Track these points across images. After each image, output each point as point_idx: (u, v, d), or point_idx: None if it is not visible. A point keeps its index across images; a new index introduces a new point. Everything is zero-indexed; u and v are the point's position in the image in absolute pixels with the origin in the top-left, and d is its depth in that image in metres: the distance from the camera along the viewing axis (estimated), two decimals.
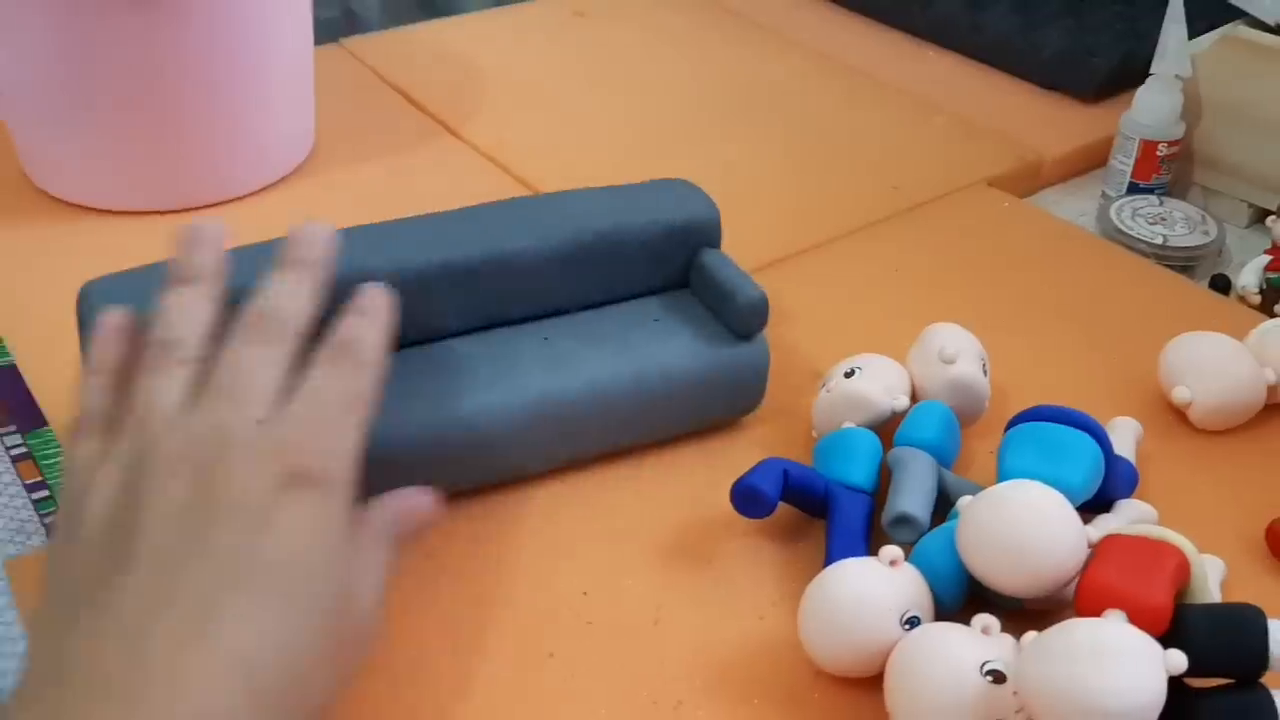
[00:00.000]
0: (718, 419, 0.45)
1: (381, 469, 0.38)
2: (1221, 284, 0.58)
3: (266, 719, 0.28)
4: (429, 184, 0.63)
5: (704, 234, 0.45)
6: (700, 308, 0.45)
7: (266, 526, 0.30)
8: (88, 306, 0.38)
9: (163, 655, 0.27)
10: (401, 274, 0.40)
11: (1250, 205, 0.64)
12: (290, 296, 0.35)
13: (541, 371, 0.41)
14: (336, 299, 0.39)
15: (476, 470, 0.41)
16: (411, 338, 0.42)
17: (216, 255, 0.36)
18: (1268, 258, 0.56)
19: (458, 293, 0.41)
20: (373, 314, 0.36)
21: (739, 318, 0.43)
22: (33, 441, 0.45)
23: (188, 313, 0.34)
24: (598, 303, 0.45)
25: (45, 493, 0.43)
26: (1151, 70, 0.62)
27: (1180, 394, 0.46)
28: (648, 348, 0.43)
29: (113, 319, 0.36)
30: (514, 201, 0.45)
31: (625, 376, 0.42)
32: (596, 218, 0.43)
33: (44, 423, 0.46)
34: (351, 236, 0.40)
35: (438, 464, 0.40)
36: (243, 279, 0.35)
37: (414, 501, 0.35)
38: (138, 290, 0.39)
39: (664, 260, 0.45)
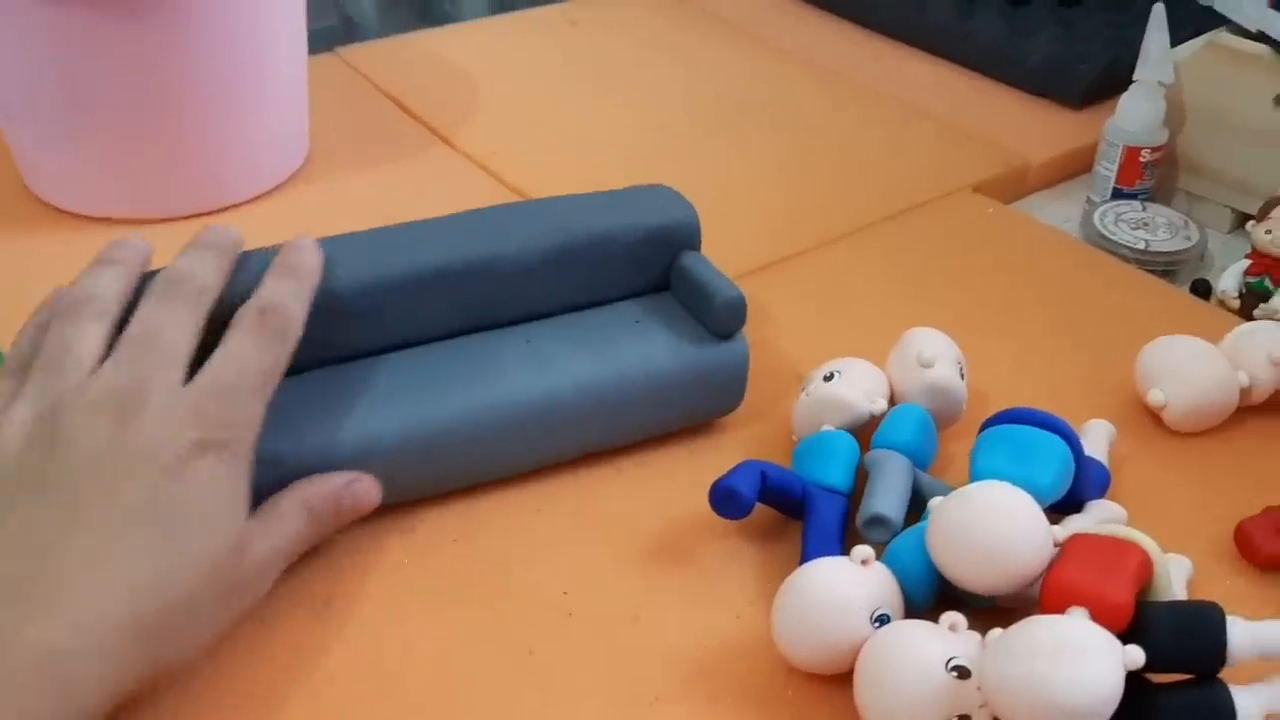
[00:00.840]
0: (699, 419, 0.46)
1: (364, 470, 0.39)
2: (1202, 288, 0.58)
3: (144, 641, 0.31)
4: (422, 193, 0.64)
5: (683, 237, 0.46)
6: (680, 309, 0.46)
7: (174, 479, 0.33)
8: None
9: (66, 572, 0.31)
10: (385, 279, 0.41)
11: (1233, 210, 0.65)
12: (199, 266, 0.37)
13: (523, 373, 0.42)
14: (330, 309, 0.40)
15: (458, 471, 0.42)
16: (394, 341, 0.42)
17: (140, 253, 0.39)
18: (1248, 262, 0.56)
19: (440, 296, 0.42)
20: (301, 277, 0.38)
21: (717, 318, 0.44)
22: None
23: (104, 279, 0.37)
24: (579, 306, 0.45)
25: None
26: (1135, 77, 0.63)
27: (1155, 397, 0.46)
28: (629, 348, 0.43)
29: (62, 290, 0.38)
30: (495, 207, 0.45)
31: (606, 376, 0.43)
32: (577, 222, 0.44)
33: None
34: (337, 243, 0.41)
35: (420, 465, 0.41)
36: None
37: (346, 485, 0.38)
38: None
39: (644, 263, 0.46)
